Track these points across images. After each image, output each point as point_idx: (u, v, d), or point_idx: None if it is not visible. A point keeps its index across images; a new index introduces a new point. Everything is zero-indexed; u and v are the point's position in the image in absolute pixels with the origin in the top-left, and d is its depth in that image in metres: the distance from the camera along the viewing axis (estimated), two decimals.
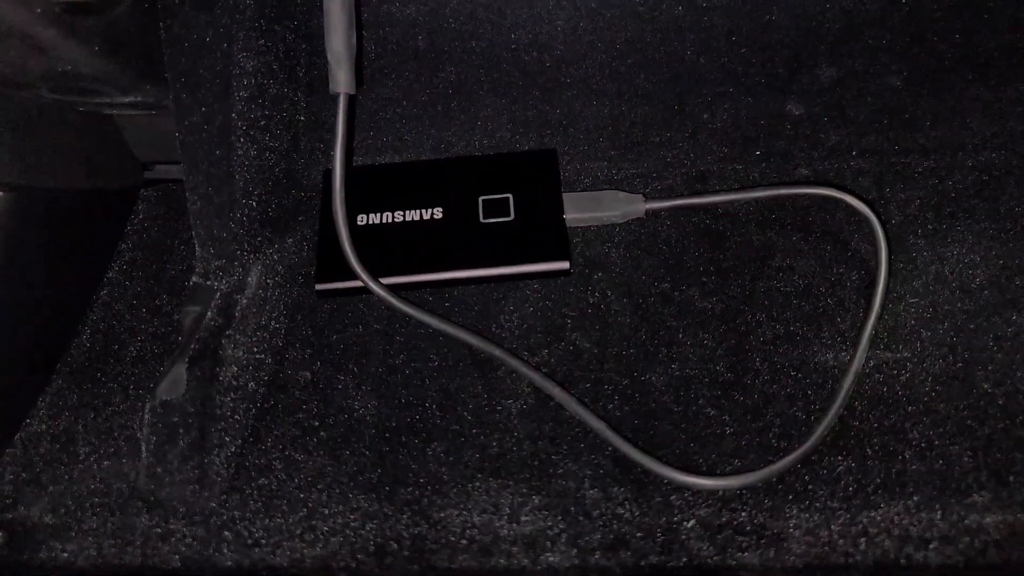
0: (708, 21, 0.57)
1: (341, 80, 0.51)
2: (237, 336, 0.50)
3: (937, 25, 0.57)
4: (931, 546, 0.42)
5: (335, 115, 0.51)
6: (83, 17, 0.45)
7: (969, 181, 0.56)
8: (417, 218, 0.56)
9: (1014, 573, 0.41)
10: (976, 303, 0.51)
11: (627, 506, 0.45)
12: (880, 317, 0.50)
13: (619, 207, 0.56)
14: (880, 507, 0.44)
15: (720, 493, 0.45)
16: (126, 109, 0.56)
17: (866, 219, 0.52)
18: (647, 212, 0.56)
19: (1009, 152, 0.57)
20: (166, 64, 0.51)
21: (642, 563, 0.43)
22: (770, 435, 0.47)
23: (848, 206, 0.53)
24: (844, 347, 0.50)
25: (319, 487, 0.47)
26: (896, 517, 0.43)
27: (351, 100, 0.52)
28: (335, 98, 0.51)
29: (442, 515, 0.45)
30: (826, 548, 0.43)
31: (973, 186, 0.56)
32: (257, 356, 0.51)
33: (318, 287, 0.55)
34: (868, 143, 0.58)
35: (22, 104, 0.51)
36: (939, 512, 0.43)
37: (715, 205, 0.57)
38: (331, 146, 0.51)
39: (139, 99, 0.53)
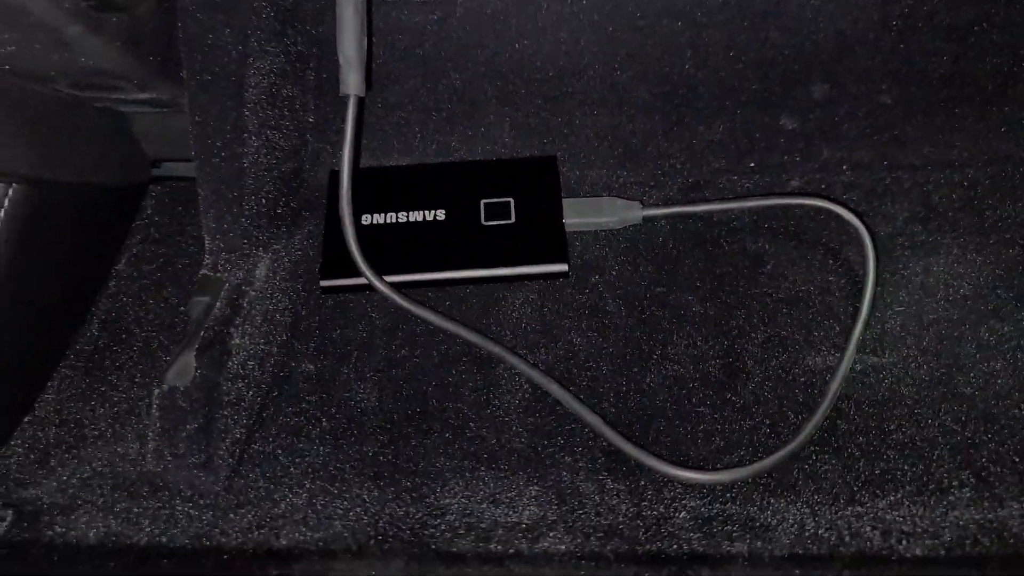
0: (706, 37, 0.58)
1: (351, 82, 0.52)
2: (245, 327, 0.52)
3: (927, 48, 0.59)
4: (913, 539, 0.44)
5: (344, 116, 0.52)
6: (109, 14, 0.46)
7: (955, 196, 0.58)
8: (420, 219, 0.58)
9: (993, 565, 0.43)
10: (960, 312, 0.53)
11: (621, 497, 0.46)
12: (867, 324, 0.52)
13: (617, 213, 0.58)
14: (864, 503, 0.45)
15: (711, 487, 0.46)
16: (141, 106, 0.58)
17: (856, 230, 0.54)
18: (644, 219, 0.58)
19: (994, 169, 0.59)
20: (183, 62, 0.53)
21: (635, 550, 0.44)
22: (760, 433, 0.49)
23: (839, 217, 0.55)
24: (832, 351, 0.52)
25: (321, 475, 0.48)
26: (880, 512, 0.45)
27: (360, 102, 0.53)
28: (344, 100, 0.53)
29: (441, 503, 0.47)
30: (812, 540, 0.44)
31: (959, 201, 0.58)
32: (263, 347, 0.53)
33: (323, 283, 0.56)
34: (859, 158, 0.60)
35: (40, 98, 0.53)
36: (921, 508, 0.45)
37: (710, 213, 0.58)
38: (339, 147, 0.53)
39: (155, 96, 0.55)
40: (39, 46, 0.47)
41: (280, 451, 0.49)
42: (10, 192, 0.51)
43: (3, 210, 0.50)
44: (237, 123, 0.53)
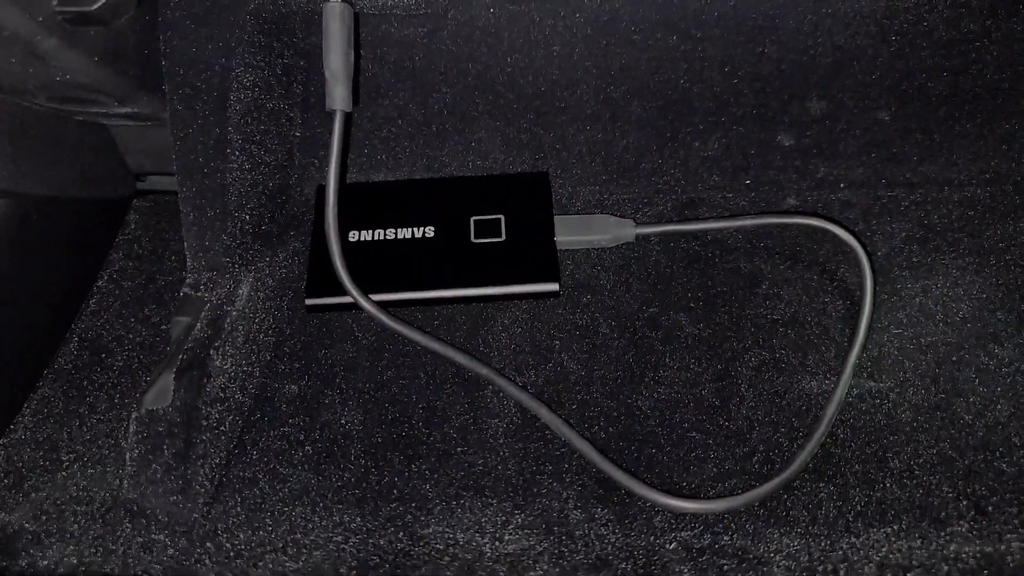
0: (701, 51, 0.58)
1: (338, 97, 0.51)
2: (226, 348, 0.50)
3: (926, 63, 0.58)
4: (910, 574, 0.43)
5: (331, 131, 0.51)
6: (85, 27, 0.45)
7: (954, 216, 0.57)
8: (409, 236, 0.57)
9: None
10: (959, 335, 0.52)
11: (610, 527, 0.45)
12: (864, 347, 0.51)
13: (610, 231, 0.57)
14: (860, 534, 0.44)
15: (702, 516, 0.45)
16: (122, 120, 0.56)
17: (852, 250, 0.53)
18: (637, 237, 0.57)
19: (993, 188, 0.58)
20: (164, 76, 0.51)
21: None
22: (753, 460, 0.47)
23: (835, 237, 0.54)
24: (828, 375, 0.51)
25: (303, 501, 0.47)
26: (876, 544, 0.44)
27: (347, 117, 0.52)
28: (331, 115, 0.52)
29: (426, 532, 0.45)
30: (806, 573, 0.43)
31: (958, 220, 0.57)
32: (245, 368, 0.51)
33: (308, 302, 0.55)
34: (856, 176, 0.59)
35: (19, 111, 0.52)
36: (919, 540, 0.44)
37: (705, 232, 0.57)
38: (325, 162, 0.52)
39: (136, 110, 0.53)
40: (14, 60, 0.46)
41: (261, 476, 0.48)
42: None
43: None
44: (220, 138, 0.52)
